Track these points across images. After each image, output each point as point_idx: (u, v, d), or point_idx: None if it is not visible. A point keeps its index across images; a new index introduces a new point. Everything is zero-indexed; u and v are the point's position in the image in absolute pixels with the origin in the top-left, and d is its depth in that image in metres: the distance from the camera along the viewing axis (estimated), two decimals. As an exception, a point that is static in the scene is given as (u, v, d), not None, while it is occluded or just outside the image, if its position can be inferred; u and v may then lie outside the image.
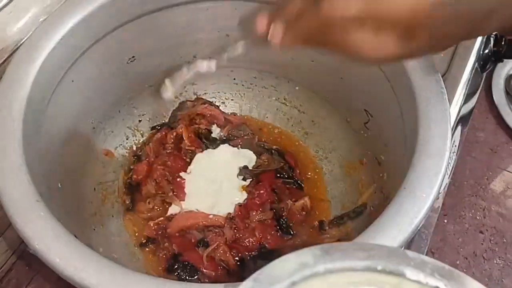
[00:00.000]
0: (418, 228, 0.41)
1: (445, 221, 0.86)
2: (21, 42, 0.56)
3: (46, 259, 0.39)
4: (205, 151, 0.68)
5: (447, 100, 0.48)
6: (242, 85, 0.74)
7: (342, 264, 0.27)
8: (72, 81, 0.57)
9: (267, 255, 0.61)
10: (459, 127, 0.75)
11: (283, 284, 0.26)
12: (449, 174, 0.77)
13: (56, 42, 0.53)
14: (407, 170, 0.44)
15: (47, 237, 0.40)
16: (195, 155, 0.68)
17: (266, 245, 0.61)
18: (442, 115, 0.47)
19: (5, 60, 0.55)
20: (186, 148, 0.68)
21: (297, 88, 0.71)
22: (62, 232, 0.40)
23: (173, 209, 0.64)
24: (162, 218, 0.64)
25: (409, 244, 0.66)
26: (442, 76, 0.51)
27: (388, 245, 0.39)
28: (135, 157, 0.69)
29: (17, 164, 0.44)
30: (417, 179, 0.43)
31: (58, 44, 0.53)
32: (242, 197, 0.64)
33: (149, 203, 0.65)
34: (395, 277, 0.27)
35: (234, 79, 0.73)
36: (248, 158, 0.68)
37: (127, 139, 0.70)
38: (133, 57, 0.64)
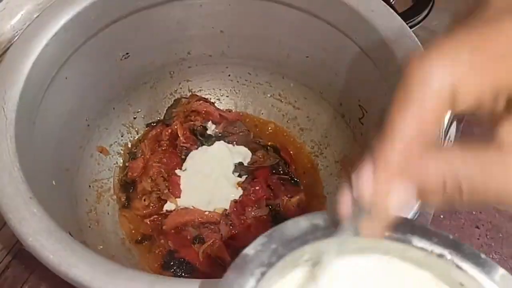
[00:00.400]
0: (415, 217, 0.41)
1: (441, 216, 0.86)
2: (14, 40, 0.56)
3: (40, 256, 0.39)
4: (200, 148, 0.68)
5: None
6: (237, 81, 0.74)
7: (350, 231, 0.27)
8: (66, 78, 0.56)
9: (263, 251, 0.61)
10: (454, 123, 0.75)
11: (296, 242, 0.26)
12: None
13: (48, 38, 0.52)
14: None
15: (40, 234, 0.40)
16: (190, 152, 0.68)
17: (262, 241, 0.61)
18: (436, 110, 0.47)
19: (-1, 57, 0.55)
20: (181, 145, 0.68)
21: (292, 84, 0.71)
22: (55, 229, 0.40)
23: (168, 206, 0.64)
24: (157, 215, 0.64)
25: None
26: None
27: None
28: (130, 154, 0.69)
29: (10, 161, 0.44)
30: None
31: (51, 40, 0.52)
32: (237, 193, 0.64)
33: (144, 200, 0.65)
34: (401, 244, 0.27)
35: (229, 75, 0.73)
36: (243, 154, 0.67)
37: (122, 136, 0.70)
38: (127, 53, 0.64)
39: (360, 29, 0.55)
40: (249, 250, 0.26)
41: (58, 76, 0.55)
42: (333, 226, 0.27)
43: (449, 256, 0.27)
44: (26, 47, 0.51)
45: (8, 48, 0.55)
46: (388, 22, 0.53)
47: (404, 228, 0.28)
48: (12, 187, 0.42)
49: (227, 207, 0.63)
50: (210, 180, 0.65)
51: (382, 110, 0.50)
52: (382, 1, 0.54)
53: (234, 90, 0.75)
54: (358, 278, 0.29)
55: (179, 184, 0.65)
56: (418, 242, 0.27)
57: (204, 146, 0.68)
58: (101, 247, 0.57)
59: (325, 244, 0.27)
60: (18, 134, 0.46)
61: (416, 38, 0.52)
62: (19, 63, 0.50)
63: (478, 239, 0.85)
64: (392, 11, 0.54)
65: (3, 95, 0.48)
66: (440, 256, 0.27)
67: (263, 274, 0.25)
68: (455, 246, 0.27)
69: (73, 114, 0.59)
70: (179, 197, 0.64)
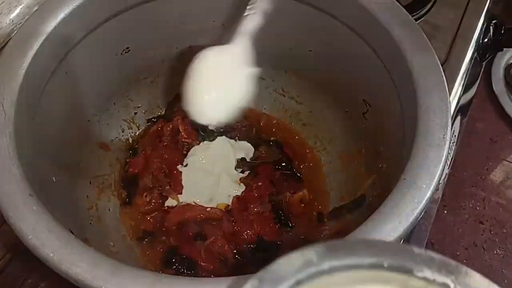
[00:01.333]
0: (419, 219, 0.40)
1: (445, 212, 0.86)
2: (13, 34, 0.55)
3: (40, 254, 0.38)
4: (201, 143, 0.67)
5: (447, 89, 0.48)
6: (239, 76, 0.73)
7: (348, 261, 0.26)
8: (66, 73, 0.56)
9: (265, 248, 0.60)
10: (458, 117, 0.74)
11: (288, 283, 0.25)
12: (449, 164, 0.76)
13: (47, 33, 0.51)
14: (406, 160, 0.43)
15: (40, 231, 0.39)
16: (192, 147, 0.67)
17: (265, 237, 0.61)
18: (442, 104, 0.46)
19: (-3, 52, 0.54)
20: (183, 140, 0.67)
21: (294, 78, 0.70)
22: (55, 227, 0.40)
23: (169, 202, 0.63)
24: (159, 212, 0.63)
25: (409, 235, 0.66)
26: (441, 66, 0.50)
27: (394, 241, 0.38)
28: (131, 150, 0.69)
29: (9, 158, 0.43)
30: (417, 169, 0.42)
31: (50, 35, 0.52)
32: (240, 189, 0.63)
33: (146, 196, 0.64)
34: (402, 274, 0.26)
35: (231, 70, 0.72)
36: (246, 150, 0.67)
37: (123, 131, 0.69)
38: (127, 48, 0.63)
39: (365, 22, 0.54)
40: None
41: (57, 71, 0.54)
42: (326, 260, 0.26)
43: (452, 285, 0.26)
44: (25, 42, 0.50)
45: (6, 43, 0.54)
46: (393, 14, 0.52)
47: (404, 256, 0.26)
48: (11, 185, 0.41)
49: (229, 203, 0.63)
50: (212, 176, 0.65)
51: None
52: (387, -7, 0.53)
53: (236, 85, 0.74)
54: None
55: (180, 180, 0.64)
56: (419, 271, 0.26)
57: (205, 142, 0.67)
58: (102, 243, 0.57)
59: (320, 280, 0.26)
60: (17, 130, 0.45)
61: (421, 31, 0.51)
62: (18, 57, 0.49)
63: (482, 234, 0.85)
64: (397, 3, 0.53)
65: (2, 90, 0.47)
66: (443, 285, 0.26)
67: None
68: (458, 273, 0.26)
69: (73, 110, 0.59)
70: (181, 193, 0.64)
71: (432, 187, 0.41)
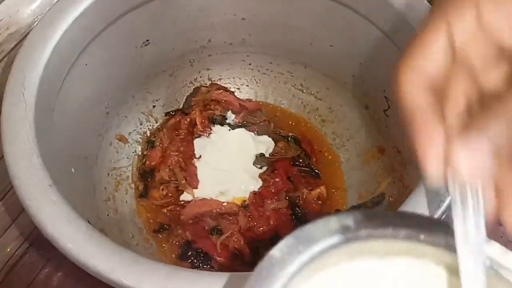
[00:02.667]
0: (442, 219, 0.39)
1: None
2: (34, 25, 0.55)
3: (58, 245, 0.38)
4: (220, 130, 0.67)
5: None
6: (258, 70, 0.72)
7: (384, 231, 0.26)
8: (86, 64, 0.56)
9: (281, 244, 0.60)
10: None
11: (324, 244, 0.25)
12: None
13: (68, 24, 0.51)
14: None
15: (59, 222, 0.39)
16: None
17: (281, 234, 0.60)
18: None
19: (18, 43, 0.54)
20: (199, 133, 0.67)
21: (314, 74, 0.69)
22: (74, 218, 0.40)
23: (185, 196, 0.63)
24: (175, 205, 0.63)
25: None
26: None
27: (431, 216, 0.38)
28: (149, 143, 0.69)
29: (29, 148, 0.43)
30: (440, 168, 0.41)
31: (71, 26, 0.51)
32: (257, 184, 0.63)
33: (162, 189, 0.64)
34: (437, 249, 0.26)
35: (250, 64, 0.72)
36: (266, 144, 0.66)
37: (140, 124, 0.69)
38: (147, 40, 0.63)
39: (386, 16, 0.53)
40: (275, 251, 0.25)
41: (77, 62, 0.54)
42: (363, 227, 0.26)
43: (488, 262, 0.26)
44: (46, 33, 0.50)
45: (27, 34, 0.54)
46: (416, 6, 0.51)
47: (440, 232, 0.26)
48: (31, 174, 0.42)
49: (246, 197, 0.62)
50: (228, 169, 0.64)
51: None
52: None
53: (255, 80, 0.73)
54: (392, 280, 0.28)
55: (196, 174, 0.64)
56: (454, 247, 0.26)
57: (225, 127, 0.67)
58: (118, 236, 0.57)
59: (355, 245, 0.26)
60: (38, 120, 0.45)
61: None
62: (38, 48, 0.49)
63: (502, 236, 0.83)
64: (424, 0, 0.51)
65: (23, 80, 0.47)
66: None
67: (289, 278, 0.24)
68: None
69: (92, 101, 0.59)
70: (196, 187, 0.64)
71: (454, 187, 0.40)
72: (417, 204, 0.39)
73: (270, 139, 0.67)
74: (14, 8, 0.52)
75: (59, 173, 0.46)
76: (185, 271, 0.37)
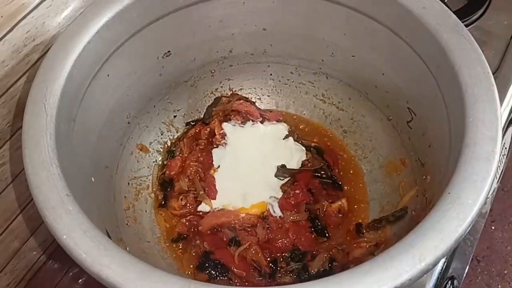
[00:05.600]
0: (463, 236, 0.38)
1: (493, 227, 0.81)
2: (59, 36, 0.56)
3: (73, 254, 0.39)
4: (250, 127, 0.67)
5: (498, 98, 0.45)
6: (279, 81, 0.72)
7: None
8: (108, 75, 0.57)
9: (300, 257, 0.59)
10: (510, 128, 0.70)
11: None
12: (498, 178, 0.72)
13: (91, 36, 0.53)
14: (452, 173, 0.41)
15: (74, 232, 0.39)
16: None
17: (300, 246, 0.59)
18: (492, 114, 0.43)
19: (43, 54, 0.55)
20: (217, 143, 0.67)
21: (336, 84, 0.68)
22: (90, 228, 0.40)
23: (202, 208, 0.63)
24: (194, 215, 0.63)
25: (453, 251, 0.62)
26: (493, 75, 0.47)
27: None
28: (169, 153, 0.69)
29: (49, 158, 0.44)
30: (463, 184, 0.39)
31: (93, 38, 0.53)
32: (277, 196, 0.62)
33: (181, 199, 0.64)
34: None
35: (271, 74, 0.72)
36: (299, 151, 0.66)
37: (161, 134, 0.70)
38: (168, 51, 0.64)
39: (411, 27, 0.52)
40: None
41: (99, 73, 0.55)
42: None
43: None
44: (68, 44, 0.51)
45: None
46: (442, 20, 0.49)
47: None
48: (49, 184, 0.42)
49: (264, 206, 0.62)
50: (248, 179, 0.64)
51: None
52: (436, -2, 0.51)
53: (276, 90, 0.73)
54: None
55: (214, 185, 0.64)
56: None
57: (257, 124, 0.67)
58: (137, 245, 0.57)
59: None
60: (58, 131, 0.46)
61: (472, 37, 0.48)
62: (61, 59, 0.50)
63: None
64: (446, 8, 0.50)
65: (44, 91, 0.48)
66: None
67: None
68: None
69: (114, 112, 0.59)
70: (215, 198, 0.63)
71: (478, 203, 0.39)
72: (439, 221, 0.38)
73: (304, 148, 0.66)
74: (41, 20, 0.54)
75: (78, 183, 0.46)
76: (199, 285, 0.37)
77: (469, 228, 0.38)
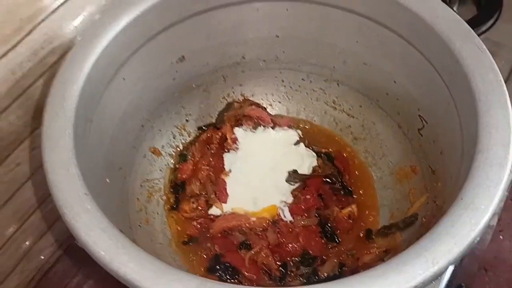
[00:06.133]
0: (475, 242, 0.38)
1: (501, 237, 0.81)
2: (76, 40, 0.57)
3: (91, 252, 0.39)
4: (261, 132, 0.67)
5: (511, 106, 0.45)
6: (290, 87, 0.73)
7: None
8: (124, 79, 0.57)
9: (310, 262, 0.59)
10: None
11: None
12: (507, 187, 0.72)
13: (109, 40, 0.54)
14: (464, 179, 0.41)
15: (93, 230, 0.40)
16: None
17: (310, 251, 0.60)
18: (505, 121, 0.44)
19: (60, 57, 0.56)
20: (229, 147, 0.68)
21: (347, 91, 0.69)
22: (108, 226, 0.41)
23: (213, 211, 0.64)
24: (205, 218, 0.64)
25: (461, 260, 0.63)
26: (505, 82, 0.47)
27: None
28: (181, 156, 0.70)
29: (67, 158, 0.45)
30: (476, 189, 0.40)
31: (112, 41, 0.54)
32: (287, 200, 0.63)
33: (193, 202, 0.65)
34: None
35: (282, 81, 0.72)
36: (310, 157, 0.66)
37: (174, 138, 0.70)
38: (182, 56, 0.64)
39: (423, 36, 0.53)
40: None
41: (116, 76, 0.56)
42: None
43: None
44: (87, 47, 0.52)
45: (70, 48, 0.56)
46: (455, 28, 0.50)
47: None
48: (68, 183, 0.43)
49: (275, 210, 0.62)
50: (259, 184, 0.65)
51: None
52: (449, 7, 0.52)
53: (287, 96, 0.74)
54: None
55: (225, 189, 0.65)
56: None
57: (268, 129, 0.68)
58: (149, 246, 0.58)
59: None
60: (76, 131, 0.47)
61: (484, 46, 0.49)
62: (80, 62, 0.51)
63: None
64: (459, 17, 0.51)
65: (63, 93, 0.49)
66: None
67: None
68: None
69: (128, 114, 0.60)
70: (225, 202, 0.64)
71: (491, 209, 0.39)
72: (452, 226, 0.38)
73: (315, 154, 0.67)
74: (58, 23, 0.55)
75: (94, 183, 0.47)
76: (216, 283, 0.37)
77: (481, 233, 0.38)
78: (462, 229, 0.38)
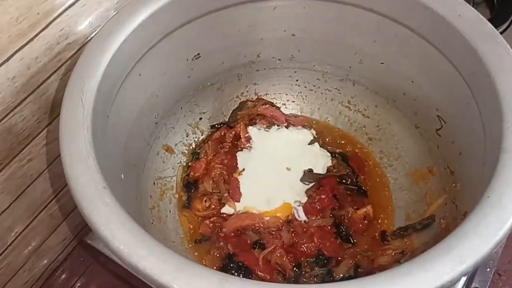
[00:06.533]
0: (503, 240, 0.37)
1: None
2: (91, 36, 0.57)
3: (110, 246, 0.39)
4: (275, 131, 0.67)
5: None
6: (305, 87, 0.72)
7: None
8: (140, 74, 0.57)
9: (325, 262, 0.59)
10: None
11: None
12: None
13: (126, 35, 0.53)
14: (490, 179, 0.41)
15: (112, 223, 0.40)
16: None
17: (325, 251, 0.59)
18: (530, 121, 0.43)
19: (75, 52, 0.56)
20: (242, 146, 0.67)
21: (362, 91, 0.68)
22: (127, 220, 0.40)
23: (226, 210, 0.63)
24: (217, 217, 0.63)
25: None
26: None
27: None
28: (194, 155, 0.69)
29: (86, 151, 0.44)
30: (503, 188, 0.39)
31: (129, 37, 0.53)
32: (302, 200, 0.62)
33: (205, 201, 0.64)
34: None
35: (297, 80, 0.72)
36: (324, 157, 0.66)
37: (187, 136, 0.70)
38: (198, 54, 0.64)
39: (445, 35, 0.52)
40: None
41: (132, 72, 0.56)
42: None
43: None
44: (105, 42, 0.52)
45: (85, 44, 0.56)
46: (477, 27, 0.50)
47: None
48: (87, 177, 0.42)
49: (289, 208, 0.61)
50: (273, 182, 0.64)
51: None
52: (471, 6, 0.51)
53: (301, 96, 0.73)
54: None
55: (239, 188, 0.64)
56: None
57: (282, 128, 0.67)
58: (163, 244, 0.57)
59: None
60: (94, 125, 0.47)
61: (507, 45, 0.48)
62: (98, 57, 0.51)
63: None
64: (481, 16, 0.50)
65: (82, 86, 0.48)
66: None
67: None
68: None
69: (143, 111, 0.60)
70: (238, 201, 0.63)
71: (518, 208, 0.38)
72: (479, 224, 0.38)
73: (330, 154, 0.66)
74: (74, 19, 0.55)
75: (111, 177, 0.46)
76: (238, 280, 0.37)
77: (509, 232, 0.37)
78: (489, 227, 0.37)
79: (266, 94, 0.73)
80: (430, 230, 0.56)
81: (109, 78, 0.51)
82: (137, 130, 0.59)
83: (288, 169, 0.65)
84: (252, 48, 0.68)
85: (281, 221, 0.61)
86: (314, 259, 0.59)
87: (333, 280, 0.57)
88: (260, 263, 0.58)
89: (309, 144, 0.67)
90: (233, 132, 0.69)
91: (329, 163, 0.65)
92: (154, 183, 0.63)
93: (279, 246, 0.59)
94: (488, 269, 0.71)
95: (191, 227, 0.63)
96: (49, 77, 0.55)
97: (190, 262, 0.37)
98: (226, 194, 0.64)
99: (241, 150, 0.67)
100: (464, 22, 0.50)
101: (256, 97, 0.73)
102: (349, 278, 0.57)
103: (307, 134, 0.68)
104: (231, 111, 0.72)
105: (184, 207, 0.65)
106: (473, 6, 0.78)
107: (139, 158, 0.60)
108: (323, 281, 0.57)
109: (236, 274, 0.58)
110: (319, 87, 0.72)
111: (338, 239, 0.60)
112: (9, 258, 0.62)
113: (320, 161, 0.65)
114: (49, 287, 0.73)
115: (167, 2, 0.56)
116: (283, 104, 0.74)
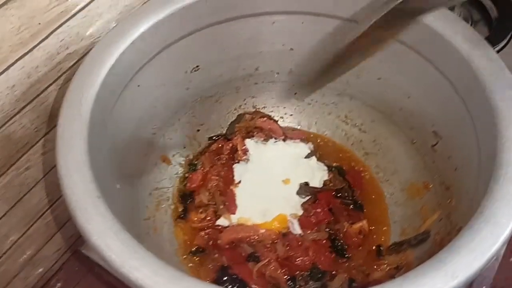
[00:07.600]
0: (496, 256, 0.37)
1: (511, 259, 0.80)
2: (91, 46, 0.57)
3: (102, 255, 0.39)
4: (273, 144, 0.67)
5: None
6: (303, 100, 0.73)
7: None
8: (138, 85, 0.58)
9: (319, 276, 0.58)
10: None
11: None
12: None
13: (126, 46, 0.54)
14: (482, 195, 0.41)
15: (105, 233, 0.40)
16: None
17: (319, 265, 0.59)
18: (524, 137, 0.43)
19: (75, 62, 0.57)
20: (239, 159, 0.67)
21: (359, 106, 0.69)
22: (120, 230, 0.40)
23: (221, 222, 0.63)
24: (213, 229, 0.63)
25: (471, 281, 0.62)
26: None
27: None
28: (191, 166, 0.69)
29: (82, 160, 0.44)
30: (497, 204, 0.39)
31: (128, 48, 0.54)
32: (297, 213, 0.62)
33: (201, 212, 0.64)
34: None
35: (295, 94, 0.72)
36: (321, 170, 0.66)
37: (184, 147, 0.70)
38: (197, 66, 0.65)
39: (442, 52, 0.53)
40: None
41: (131, 83, 0.56)
42: None
43: None
44: (105, 53, 0.53)
45: (85, 54, 0.57)
46: (473, 44, 0.50)
47: None
48: (82, 186, 0.43)
49: (285, 220, 0.61)
50: (269, 195, 0.64)
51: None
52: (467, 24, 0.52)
53: (299, 109, 0.74)
54: None
55: (234, 200, 0.64)
56: None
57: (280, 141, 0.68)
58: (158, 255, 0.57)
59: None
60: (91, 135, 0.47)
61: (502, 62, 0.49)
62: (97, 67, 0.51)
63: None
64: (477, 33, 0.51)
65: (80, 96, 0.49)
66: None
67: None
68: None
69: (141, 121, 0.60)
70: (234, 213, 0.63)
71: (512, 224, 0.38)
72: (472, 239, 0.38)
73: (326, 167, 0.67)
74: (75, 30, 0.55)
75: (106, 187, 0.47)
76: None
77: (503, 248, 0.37)
78: (483, 243, 0.37)
79: (264, 107, 0.74)
80: (425, 245, 0.56)
81: (108, 88, 0.52)
82: (134, 140, 0.59)
83: (284, 182, 0.65)
84: (251, 61, 0.68)
85: (276, 234, 0.61)
86: (309, 272, 0.59)
87: (328, 294, 0.57)
88: (254, 276, 0.58)
89: (306, 157, 0.67)
90: (231, 144, 0.69)
91: (326, 177, 0.65)
92: (150, 193, 0.63)
93: (274, 259, 0.59)
94: (484, 287, 0.71)
95: (186, 238, 0.63)
96: (49, 86, 0.55)
97: (183, 275, 0.37)
98: (222, 206, 0.64)
99: (238, 163, 0.67)
100: (462, 39, 0.51)
101: (254, 110, 0.73)
102: (344, 292, 0.57)
103: (304, 148, 0.68)
104: (228, 123, 0.72)
105: (180, 218, 0.65)
106: (471, 24, 0.79)
107: (135, 168, 0.60)
108: (317, 295, 0.57)
109: (230, 286, 0.58)
110: (316, 101, 0.72)
111: (333, 253, 0.60)
112: (4, 266, 0.62)
113: (317, 174, 0.65)
114: (45, 297, 0.73)
115: (167, 15, 0.56)
116: (280, 117, 0.74)
